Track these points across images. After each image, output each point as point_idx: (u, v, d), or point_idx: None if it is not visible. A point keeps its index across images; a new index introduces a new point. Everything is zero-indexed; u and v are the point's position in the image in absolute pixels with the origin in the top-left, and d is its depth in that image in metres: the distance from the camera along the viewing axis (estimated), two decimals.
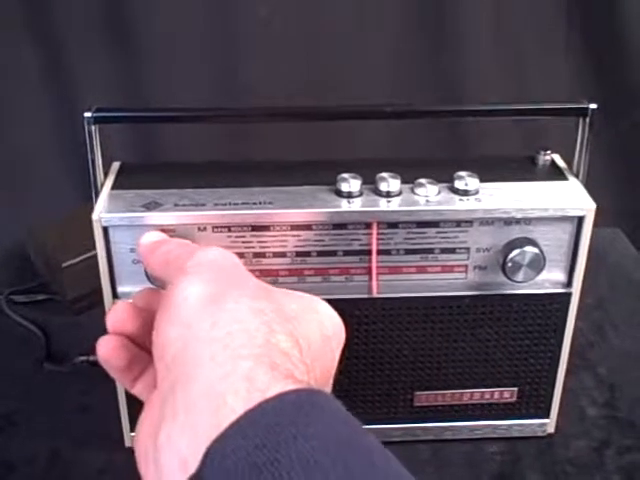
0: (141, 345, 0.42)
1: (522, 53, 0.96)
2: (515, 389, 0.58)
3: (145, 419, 0.36)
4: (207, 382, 0.32)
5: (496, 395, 0.58)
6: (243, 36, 0.92)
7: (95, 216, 0.50)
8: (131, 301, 0.44)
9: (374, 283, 0.53)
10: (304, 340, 0.36)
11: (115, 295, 0.53)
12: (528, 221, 0.51)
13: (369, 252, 0.52)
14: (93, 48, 0.90)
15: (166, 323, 0.36)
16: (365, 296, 0.53)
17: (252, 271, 0.51)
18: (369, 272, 0.53)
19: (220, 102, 0.89)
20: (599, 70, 0.97)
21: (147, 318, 0.42)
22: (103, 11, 0.89)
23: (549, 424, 0.60)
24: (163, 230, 0.50)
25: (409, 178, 0.52)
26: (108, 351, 0.41)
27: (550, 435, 0.60)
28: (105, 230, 0.50)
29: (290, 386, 0.31)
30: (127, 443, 0.58)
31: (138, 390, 0.43)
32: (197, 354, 0.33)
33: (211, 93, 0.91)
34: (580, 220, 0.51)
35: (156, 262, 0.43)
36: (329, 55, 0.93)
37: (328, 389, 0.39)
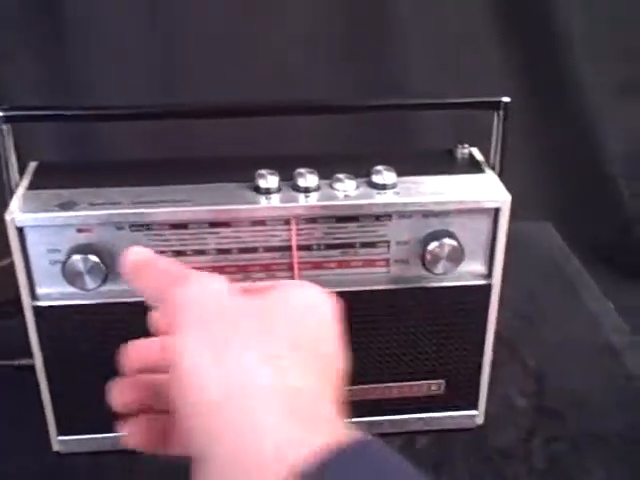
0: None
1: (457, 48, 0.97)
2: (442, 381, 0.58)
3: None
4: (237, 465, 0.31)
5: (424, 388, 0.59)
6: (179, 34, 0.91)
7: (8, 217, 0.49)
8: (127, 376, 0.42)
9: (297, 279, 0.53)
10: (311, 354, 0.35)
11: (34, 297, 0.52)
12: (446, 214, 0.52)
13: (289, 248, 0.52)
14: (25, 45, 0.89)
15: (187, 405, 0.33)
16: None
17: None
18: (291, 268, 0.53)
19: (156, 100, 0.89)
20: (532, 64, 0.99)
21: (146, 380, 0.42)
22: (35, 9, 0.88)
23: (478, 416, 0.61)
24: (80, 230, 0.50)
25: (328, 173, 0.52)
26: (140, 436, 0.41)
27: (480, 426, 0.61)
28: (20, 231, 0.49)
29: (318, 439, 0.30)
30: (54, 447, 0.58)
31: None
32: (218, 429, 0.32)
33: (146, 91, 0.91)
34: (496, 212, 0.52)
35: (142, 286, 0.40)
36: (267, 52, 0.94)
37: (339, 364, 0.37)
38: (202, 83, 0.89)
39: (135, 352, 0.43)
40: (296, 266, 0.52)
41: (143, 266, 0.41)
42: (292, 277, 0.53)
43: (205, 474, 0.32)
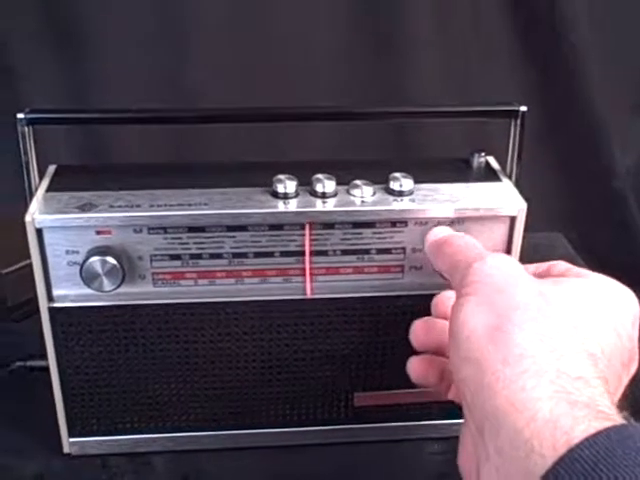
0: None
1: (465, 56, 0.98)
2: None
3: (463, 451, 0.40)
4: (511, 430, 0.33)
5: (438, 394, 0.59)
6: (189, 39, 0.92)
7: (28, 218, 0.49)
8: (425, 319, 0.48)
9: (308, 284, 0.53)
10: (596, 346, 0.36)
11: (50, 298, 0.52)
12: (462, 221, 0.52)
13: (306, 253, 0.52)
14: (39, 51, 0.89)
15: (458, 359, 0.37)
16: (302, 297, 0.53)
17: (189, 272, 0.52)
18: (304, 273, 0.53)
19: (168, 103, 0.89)
20: (546, 77, 0.99)
21: (441, 327, 0.47)
22: (48, 14, 0.89)
23: None
24: (99, 232, 0.50)
25: (345, 179, 0.52)
26: (420, 373, 0.48)
27: None
28: (39, 232, 0.50)
29: (594, 423, 0.31)
30: (65, 449, 0.58)
31: (452, 395, 0.47)
32: (494, 400, 0.34)
33: (159, 95, 0.91)
34: (512, 220, 0.52)
35: (440, 263, 0.47)
36: (274, 58, 0.94)
37: (628, 375, 0.39)
38: (218, 89, 0.89)
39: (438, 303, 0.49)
40: (308, 272, 0.52)
41: (443, 243, 0.47)
42: (304, 282, 0.53)
43: (475, 427, 0.36)
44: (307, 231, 0.51)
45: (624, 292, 0.40)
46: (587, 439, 0.30)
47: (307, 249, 0.52)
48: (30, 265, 0.52)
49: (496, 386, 0.34)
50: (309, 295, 0.53)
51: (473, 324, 0.37)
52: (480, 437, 0.35)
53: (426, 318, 0.49)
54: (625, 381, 0.39)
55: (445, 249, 0.46)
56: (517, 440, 0.32)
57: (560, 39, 0.97)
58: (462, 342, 0.37)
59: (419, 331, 0.48)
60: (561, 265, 0.44)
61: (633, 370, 0.40)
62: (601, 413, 0.32)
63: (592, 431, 0.31)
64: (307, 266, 0.52)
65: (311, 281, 0.53)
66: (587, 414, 0.32)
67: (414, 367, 0.48)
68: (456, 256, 0.44)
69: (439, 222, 0.52)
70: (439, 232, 0.49)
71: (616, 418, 0.32)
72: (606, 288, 0.40)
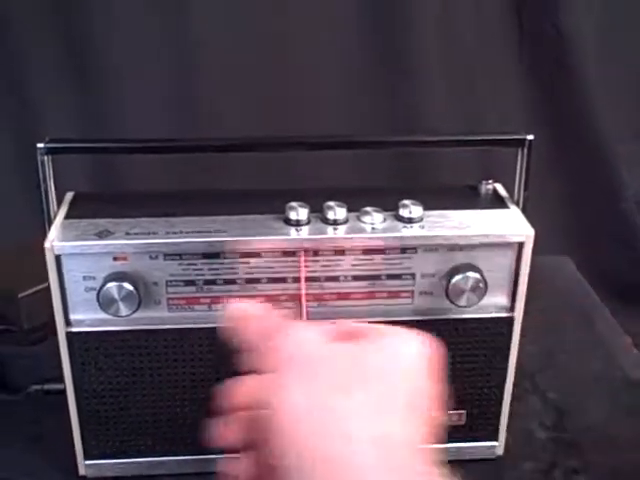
0: None
1: (474, 84, 0.99)
2: (463, 412, 0.59)
3: None
4: None
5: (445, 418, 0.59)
6: (205, 69, 0.94)
7: (47, 244, 0.51)
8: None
9: (304, 310, 0.54)
10: (408, 404, 0.36)
11: (68, 323, 0.53)
12: (471, 247, 0.53)
13: (318, 279, 0.53)
14: (56, 80, 0.91)
15: (280, 446, 0.36)
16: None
17: (203, 298, 0.53)
18: (316, 299, 0.54)
19: (184, 132, 0.91)
20: (553, 104, 1.00)
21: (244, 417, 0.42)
22: (65, 44, 0.91)
23: (498, 446, 0.61)
24: (116, 258, 0.51)
25: (356, 206, 0.53)
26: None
27: (499, 457, 0.62)
28: (57, 258, 0.51)
29: None
30: (81, 471, 0.58)
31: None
32: (313, 469, 0.34)
33: (175, 123, 0.93)
34: (520, 246, 0.53)
35: (243, 336, 0.42)
36: (288, 87, 0.96)
37: (431, 411, 0.38)
38: (229, 118, 0.91)
39: (237, 390, 0.43)
40: (304, 298, 0.53)
41: (244, 316, 0.43)
42: (300, 308, 0.54)
43: None
44: (301, 258, 0.52)
45: (407, 338, 0.39)
46: None
47: (302, 275, 0.53)
48: (45, 289, 0.53)
49: (320, 466, 0.34)
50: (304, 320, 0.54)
51: (292, 408, 0.36)
52: None
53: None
54: (433, 428, 0.38)
55: (246, 324, 0.43)
56: None
57: (567, 64, 0.98)
58: (282, 429, 0.36)
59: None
60: (344, 325, 0.42)
61: (437, 414, 0.39)
62: (423, 475, 0.33)
63: None
64: (303, 292, 0.53)
65: (306, 307, 0.54)
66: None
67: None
68: (258, 329, 0.41)
69: (448, 248, 0.53)
70: (240, 307, 0.44)
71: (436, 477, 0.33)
72: (391, 341, 0.39)
